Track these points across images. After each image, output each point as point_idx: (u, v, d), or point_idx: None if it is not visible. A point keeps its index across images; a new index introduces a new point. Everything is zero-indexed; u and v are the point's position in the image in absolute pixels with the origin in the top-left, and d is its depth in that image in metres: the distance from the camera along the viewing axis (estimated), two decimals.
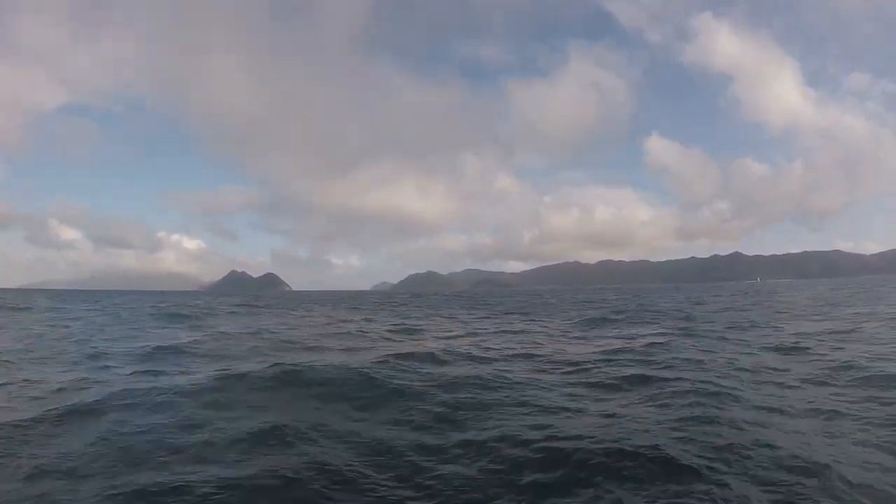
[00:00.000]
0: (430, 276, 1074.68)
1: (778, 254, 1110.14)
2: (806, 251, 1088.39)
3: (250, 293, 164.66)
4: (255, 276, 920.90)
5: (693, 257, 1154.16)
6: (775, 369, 10.98)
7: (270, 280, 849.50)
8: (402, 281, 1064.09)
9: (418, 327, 23.71)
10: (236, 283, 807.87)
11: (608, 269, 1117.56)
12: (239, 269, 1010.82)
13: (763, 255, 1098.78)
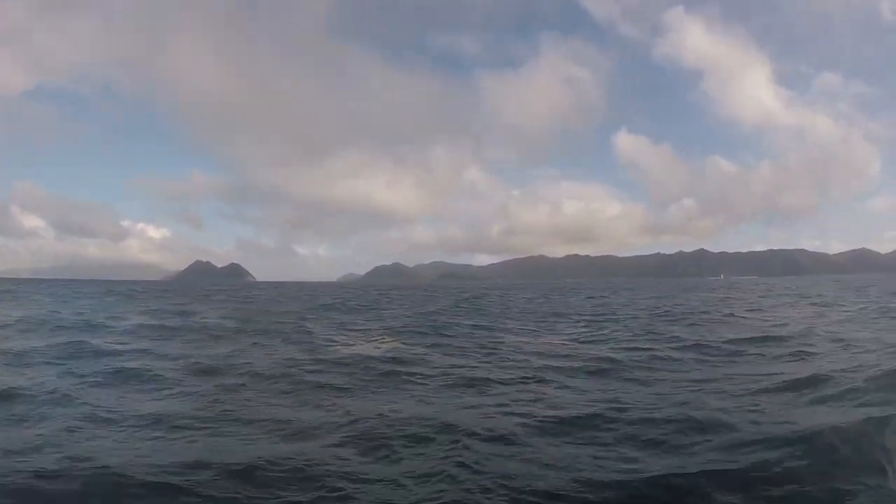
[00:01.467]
0: (397, 268, 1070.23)
1: (742, 251, 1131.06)
2: (771, 249, 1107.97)
3: (211, 283, 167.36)
4: (219, 265, 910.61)
5: (658, 253, 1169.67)
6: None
7: (234, 270, 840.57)
8: (368, 272, 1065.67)
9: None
10: (200, 273, 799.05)
11: (574, 264, 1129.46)
12: (203, 259, 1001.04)
13: (728, 252, 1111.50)
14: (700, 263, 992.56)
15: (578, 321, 25.84)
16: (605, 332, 20.64)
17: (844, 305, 30.90)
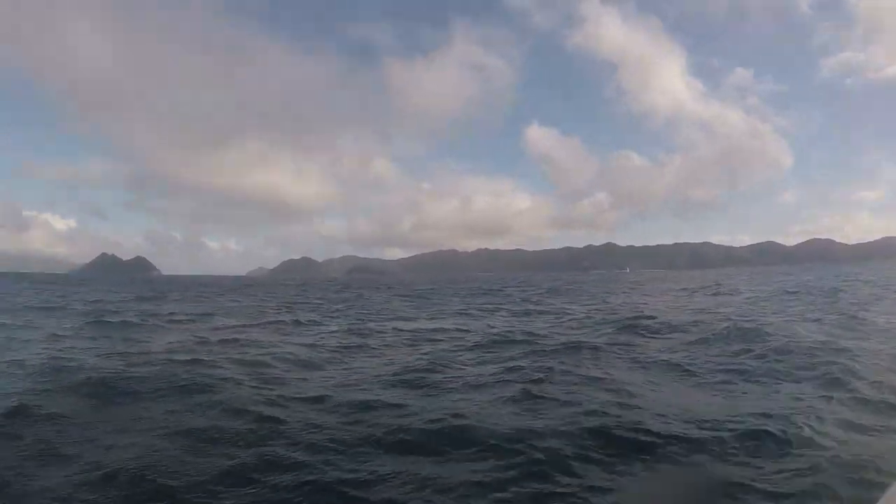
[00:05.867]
0: (306, 263, 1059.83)
1: (650, 245, 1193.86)
2: (677, 242, 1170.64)
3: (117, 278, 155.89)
4: (125, 258, 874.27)
5: (568, 247, 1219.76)
6: None
7: (140, 264, 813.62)
8: (277, 267, 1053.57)
9: None
10: (105, 267, 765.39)
11: (484, 258, 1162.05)
12: (109, 252, 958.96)
13: (635, 246, 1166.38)
14: (608, 257, 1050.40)
15: None
16: None
17: None
